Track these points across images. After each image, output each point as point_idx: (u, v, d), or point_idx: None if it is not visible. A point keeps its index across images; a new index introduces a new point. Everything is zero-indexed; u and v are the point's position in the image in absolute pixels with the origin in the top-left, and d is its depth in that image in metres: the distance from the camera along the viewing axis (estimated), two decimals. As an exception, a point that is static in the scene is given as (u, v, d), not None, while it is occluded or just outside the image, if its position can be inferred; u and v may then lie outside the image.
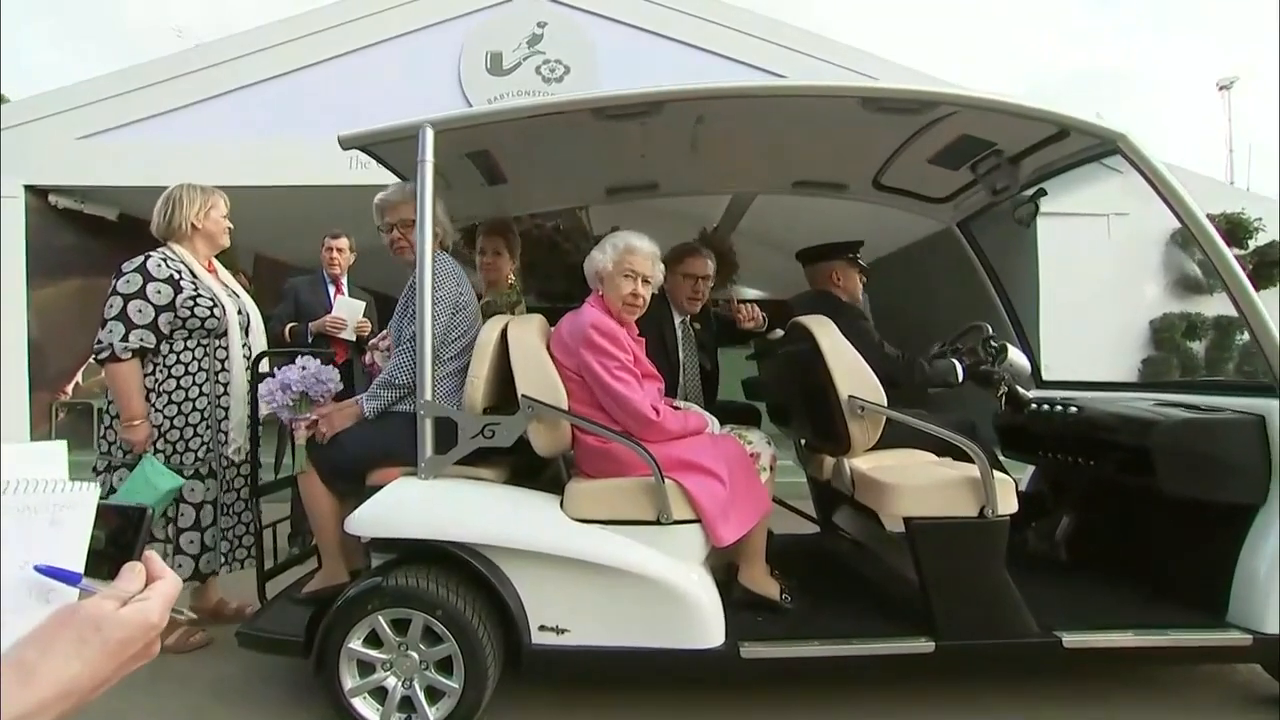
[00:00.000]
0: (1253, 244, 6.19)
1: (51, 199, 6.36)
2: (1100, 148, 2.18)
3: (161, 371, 2.39)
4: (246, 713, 2.06)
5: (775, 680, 2.14)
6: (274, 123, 6.20)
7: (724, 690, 2.14)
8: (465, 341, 2.18)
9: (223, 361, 2.48)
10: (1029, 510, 2.37)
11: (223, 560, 2.49)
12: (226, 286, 2.58)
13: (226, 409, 2.47)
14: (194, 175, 2.69)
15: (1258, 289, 1.98)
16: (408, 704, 1.87)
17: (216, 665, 2.32)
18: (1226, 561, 1.99)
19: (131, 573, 0.53)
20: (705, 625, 1.87)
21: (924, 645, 1.90)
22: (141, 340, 2.33)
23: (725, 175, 3.01)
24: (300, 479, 2.20)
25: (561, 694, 2.12)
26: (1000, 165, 2.44)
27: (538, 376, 2.00)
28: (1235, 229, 6.04)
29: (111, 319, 2.31)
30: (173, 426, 2.38)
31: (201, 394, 2.43)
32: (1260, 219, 6.18)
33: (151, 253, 2.42)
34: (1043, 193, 2.49)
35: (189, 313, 2.38)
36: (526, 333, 2.09)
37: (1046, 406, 2.49)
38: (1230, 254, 2.00)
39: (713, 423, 2.25)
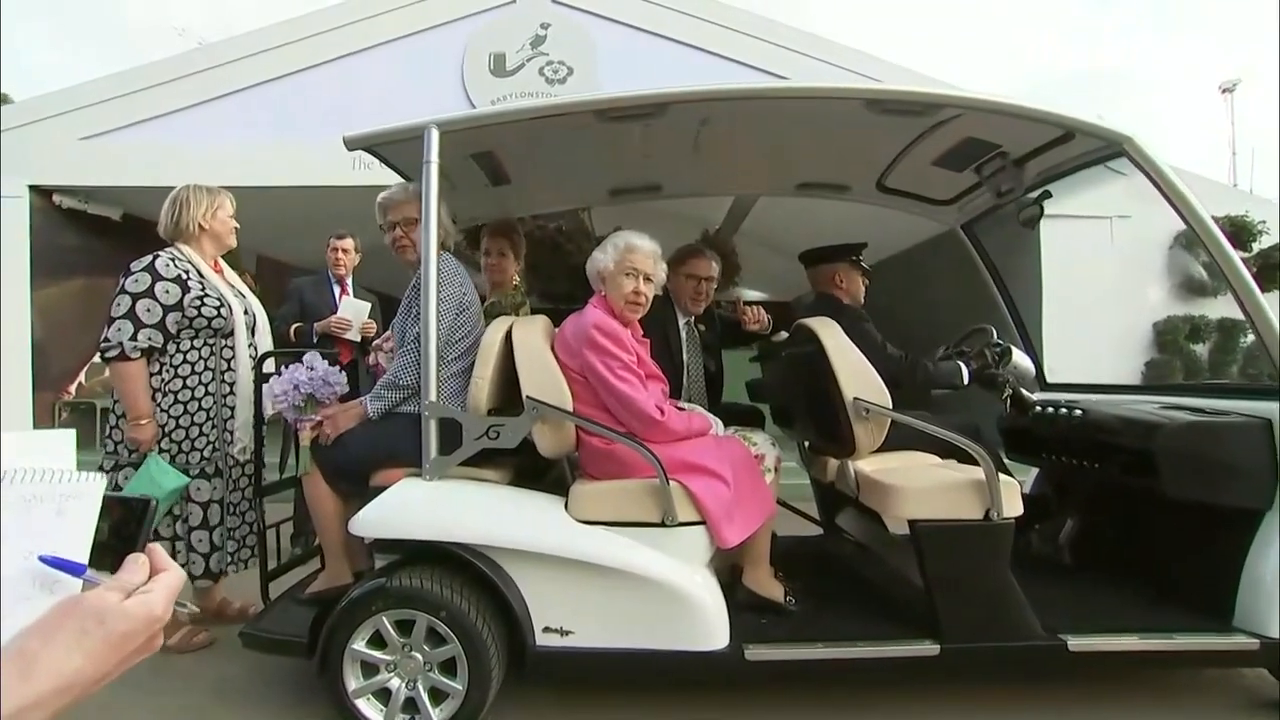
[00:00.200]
0: (1256, 247, 6.18)
1: (56, 199, 6.36)
2: (1106, 150, 2.17)
3: (168, 371, 2.40)
4: (249, 713, 2.06)
5: (779, 682, 2.13)
6: (277, 123, 6.21)
7: (728, 692, 2.14)
8: (469, 342, 2.18)
9: (229, 361, 2.48)
10: (1033, 513, 2.36)
11: (229, 559, 2.49)
12: (233, 286, 2.59)
13: (232, 409, 2.48)
14: (197, 176, 2.70)
15: (1262, 292, 1.98)
16: (411, 705, 1.87)
17: (219, 665, 2.32)
18: (1232, 565, 1.98)
19: (135, 564, 0.52)
20: (710, 627, 1.86)
21: (928, 648, 1.90)
22: (150, 339, 2.33)
23: (728, 177, 3.00)
24: (304, 480, 2.20)
25: (565, 696, 2.12)
26: (1005, 167, 2.44)
27: (542, 378, 2.00)
28: (1239, 232, 6.03)
29: (119, 318, 2.31)
30: (178, 426, 2.38)
31: (207, 394, 2.43)
32: (1264, 222, 6.17)
33: (160, 252, 2.43)
34: (1047, 195, 2.47)
35: (196, 312, 2.39)
36: (531, 334, 2.08)
37: (1051, 409, 2.48)
38: (1237, 257, 2.00)
39: (717, 424, 2.25)
